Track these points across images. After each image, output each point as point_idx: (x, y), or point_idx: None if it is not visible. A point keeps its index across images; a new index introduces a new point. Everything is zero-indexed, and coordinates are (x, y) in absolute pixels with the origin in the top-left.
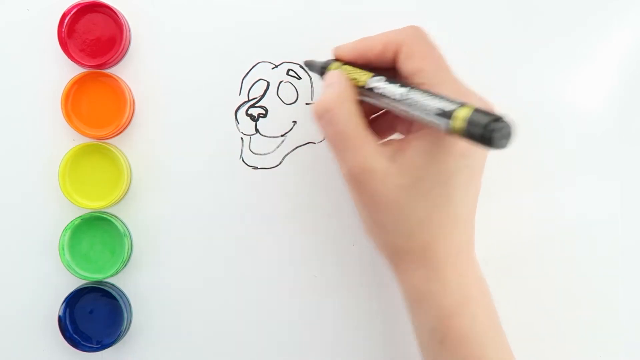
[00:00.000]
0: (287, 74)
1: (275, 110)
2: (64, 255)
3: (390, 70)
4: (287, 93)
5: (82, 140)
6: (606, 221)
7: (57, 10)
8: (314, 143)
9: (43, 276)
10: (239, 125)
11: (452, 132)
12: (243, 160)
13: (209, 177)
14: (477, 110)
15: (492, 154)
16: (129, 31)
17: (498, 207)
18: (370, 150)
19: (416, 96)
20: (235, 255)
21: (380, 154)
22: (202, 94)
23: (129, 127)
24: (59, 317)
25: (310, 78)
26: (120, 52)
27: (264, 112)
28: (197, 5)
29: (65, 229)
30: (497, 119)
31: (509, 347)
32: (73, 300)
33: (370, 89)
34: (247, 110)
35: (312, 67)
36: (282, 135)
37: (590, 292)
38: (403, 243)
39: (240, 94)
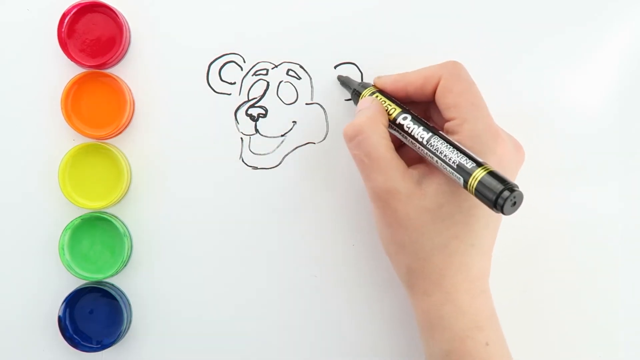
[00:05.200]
0: (287, 74)
1: (275, 110)
2: (64, 255)
3: (432, 104)
4: (287, 93)
5: (82, 140)
6: (606, 221)
7: (57, 10)
8: (314, 143)
9: (43, 276)
10: (238, 126)
11: (467, 188)
12: (243, 161)
13: (208, 177)
14: (491, 174)
15: None
16: (129, 31)
17: None
18: (396, 172)
19: (437, 144)
20: (235, 256)
21: (407, 176)
22: (201, 94)
23: (129, 127)
24: (59, 317)
25: (310, 78)
26: (120, 52)
27: (263, 112)
28: (197, 5)
29: (65, 229)
30: (510, 188)
31: None
32: (73, 300)
33: (400, 125)
34: (246, 110)
35: (346, 84)
36: (282, 136)
37: (590, 291)
38: (420, 266)
39: (240, 94)
